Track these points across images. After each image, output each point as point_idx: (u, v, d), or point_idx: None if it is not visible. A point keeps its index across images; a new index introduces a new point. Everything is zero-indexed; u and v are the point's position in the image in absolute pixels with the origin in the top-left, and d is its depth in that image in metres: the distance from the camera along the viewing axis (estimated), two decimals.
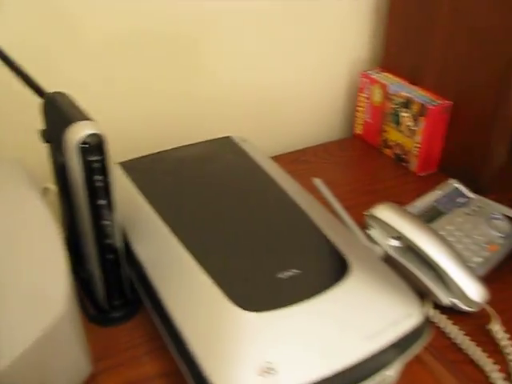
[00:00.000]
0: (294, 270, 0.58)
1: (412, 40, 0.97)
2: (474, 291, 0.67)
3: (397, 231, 0.70)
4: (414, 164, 0.96)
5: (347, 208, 0.83)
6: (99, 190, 0.58)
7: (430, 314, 0.68)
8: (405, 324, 0.57)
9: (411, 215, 0.73)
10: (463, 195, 0.82)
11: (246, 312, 0.54)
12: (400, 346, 0.56)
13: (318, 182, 0.76)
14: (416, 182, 0.93)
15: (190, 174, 0.76)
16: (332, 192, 0.79)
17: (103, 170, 0.57)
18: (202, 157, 0.80)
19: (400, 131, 0.97)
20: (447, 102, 0.91)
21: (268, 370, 0.50)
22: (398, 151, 0.99)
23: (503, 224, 0.79)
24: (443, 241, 0.69)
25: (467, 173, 0.90)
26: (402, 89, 0.95)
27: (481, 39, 0.85)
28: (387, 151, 1.02)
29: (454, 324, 0.67)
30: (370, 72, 1.01)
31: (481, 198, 0.83)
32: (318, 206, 0.72)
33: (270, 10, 0.94)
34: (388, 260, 0.72)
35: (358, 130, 1.08)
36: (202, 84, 0.95)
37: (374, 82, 0.99)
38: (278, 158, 0.98)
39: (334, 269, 0.60)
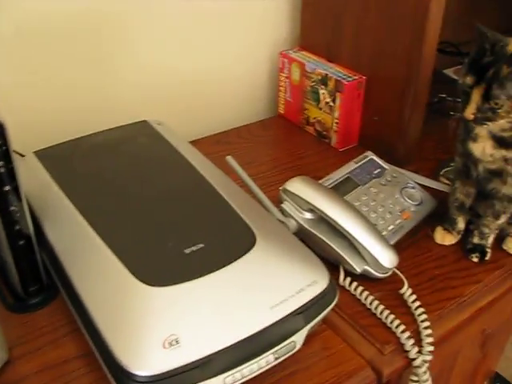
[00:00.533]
0: (201, 245, 0.59)
1: (326, 19, 0.98)
2: (385, 258, 0.68)
3: (308, 203, 0.71)
4: (334, 139, 0.98)
5: (268, 185, 0.84)
6: (3, 176, 0.57)
7: (342, 281, 0.70)
8: (310, 291, 0.58)
9: (323, 187, 0.74)
10: (379, 166, 0.84)
11: (150, 287, 0.54)
12: (306, 312, 0.57)
13: (230, 160, 0.76)
14: (337, 157, 0.94)
15: (104, 158, 0.75)
16: (252, 170, 0.79)
17: (5, 156, 0.56)
18: (117, 141, 0.79)
19: (319, 108, 0.98)
20: (362, 77, 0.93)
21: (172, 342, 0.50)
22: (318, 128, 1.00)
23: (416, 192, 0.81)
24: (354, 211, 0.70)
25: (385, 145, 0.92)
26: (319, 66, 0.96)
27: (389, 15, 0.87)
28: (309, 128, 1.03)
29: (366, 290, 0.68)
30: (288, 51, 1.02)
31: (396, 168, 0.85)
32: (230, 184, 0.72)
33: None
34: (302, 232, 0.73)
35: (281, 109, 1.08)
36: (126, 68, 0.94)
37: (292, 60, 1.00)
38: (201, 141, 0.99)
39: (241, 242, 0.60)
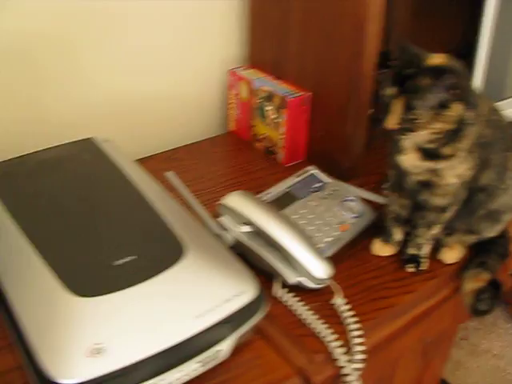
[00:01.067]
0: (131, 257, 0.60)
1: (272, 37, 1.00)
2: (317, 269, 0.69)
3: (244, 217, 0.72)
4: (281, 155, 0.99)
5: (213, 200, 0.84)
6: None
7: (275, 293, 0.71)
8: (237, 301, 0.59)
9: (259, 202, 0.75)
10: (319, 181, 0.86)
11: (77, 297, 0.55)
12: (233, 322, 0.58)
13: (170, 176, 0.77)
14: (283, 172, 0.95)
15: (46, 176, 0.76)
16: (199, 186, 0.81)
17: None
18: (60, 159, 0.80)
19: (267, 124, 1.00)
20: (306, 94, 0.95)
21: (97, 352, 0.51)
22: (266, 144, 1.02)
23: (356, 205, 0.83)
24: (288, 223, 0.72)
25: (331, 160, 0.94)
26: (266, 83, 0.98)
27: (328, 33, 0.89)
28: (258, 145, 1.04)
29: (300, 301, 0.69)
30: (237, 69, 1.04)
31: (338, 182, 0.87)
32: (168, 200, 0.73)
33: (143, 13, 0.96)
34: (239, 245, 0.74)
35: (231, 126, 1.10)
36: (78, 87, 0.95)
37: (240, 78, 1.02)
38: (152, 157, 1.01)
39: (171, 254, 0.61)
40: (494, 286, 0.72)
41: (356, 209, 0.83)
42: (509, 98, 1.03)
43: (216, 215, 0.77)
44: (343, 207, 0.82)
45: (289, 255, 0.70)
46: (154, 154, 1.01)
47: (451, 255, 0.79)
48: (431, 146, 0.67)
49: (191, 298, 0.58)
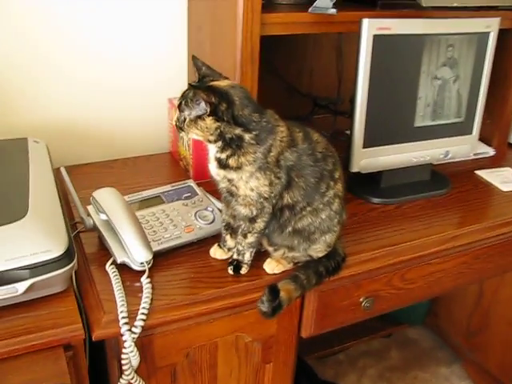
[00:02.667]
0: None
1: None
2: (139, 254, 0.87)
3: (101, 207, 0.91)
4: (191, 173, 1.18)
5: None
6: None
7: (107, 266, 0.89)
8: (41, 256, 0.78)
9: (118, 198, 0.93)
10: (192, 192, 1.04)
11: None
12: (33, 270, 0.77)
13: (62, 171, 0.98)
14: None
15: None
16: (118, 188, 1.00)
17: None
18: None
19: (184, 146, 1.19)
20: None
21: None
22: (184, 163, 1.21)
23: (211, 214, 1.00)
24: (129, 217, 0.90)
25: None
26: None
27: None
28: (181, 163, 1.24)
29: (118, 276, 0.87)
30: (174, 98, 1.22)
31: (205, 195, 1.05)
32: (49, 187, 0.94)
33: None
34: (96, 229, 0.93)
35: (170, 147, 1.32)
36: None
37: (173, 105, 1.22)
38: (92, 164, 1.24)
39: (14, 216, 0.81)
40: (272, 291, 0.83)
41: (209, 217, 0.99)
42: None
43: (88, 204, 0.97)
44: (198, 214, 0.99)
45: (122, 240, 0.88)
46: (96, 161, 1.25)
47: (272, 266, 0.92)
48: (221, 155, 0.84)
49: (11, 247, 0.78)
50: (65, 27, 1.18)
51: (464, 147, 1.21)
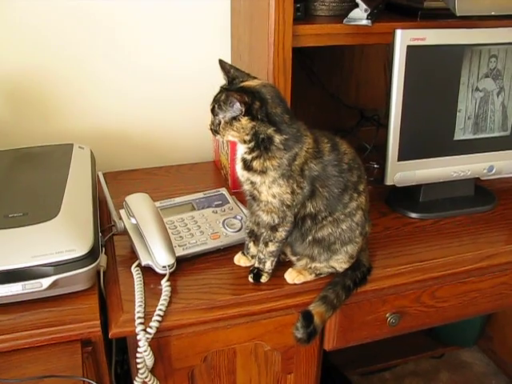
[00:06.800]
0: (20, 213, 0.88)
1: None
2: (161, 258, 0.90)
3: (132, 212, 0.95)
4: (230, 182, 1.20)
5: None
6: None
7: (132, 269, 0.92)
8: (66, 255, 0.83)
9: (148, 204, 0.97)
10: (223, 200, 1.06)
11: None
12: (57, 267, 0.82)
13: (100, 175, 1.04)
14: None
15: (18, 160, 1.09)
16: (154, 194, 1.04)
17: None
18: (39, 152, 1.12)
19: (224, 155, 1.22)
20: None
21: None
22: (224, 172, 1.24)
23: (239, 222, 1.02)
24: (158, 223, 0.93)
25: None
26: None
27: None
28: (222, 172, 1.27)
29: (140, 278, 0.91)
30: None
31: (236, 203, 1.07)
32: (85, 190, 1.00)
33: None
34: (127, 232, 0.97)
35: (213, 156, 1.35)
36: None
37: None
38: (138, 170, 1.29)
39: (46, 216, 0.87)
40: (306, 317, 0.84)
41: (237, 225, 1.01)
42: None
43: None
44: (225, 222, 1.01)
45: (147, 243, 0.92)
46: (141, 168, 1.31)
47: (292, 276, 0.92)
48: (247, 156, 0.85)
49: (39, 245, 0.83)
50: (117, 42, 1.25)
51: (511, 162, 1.16)
